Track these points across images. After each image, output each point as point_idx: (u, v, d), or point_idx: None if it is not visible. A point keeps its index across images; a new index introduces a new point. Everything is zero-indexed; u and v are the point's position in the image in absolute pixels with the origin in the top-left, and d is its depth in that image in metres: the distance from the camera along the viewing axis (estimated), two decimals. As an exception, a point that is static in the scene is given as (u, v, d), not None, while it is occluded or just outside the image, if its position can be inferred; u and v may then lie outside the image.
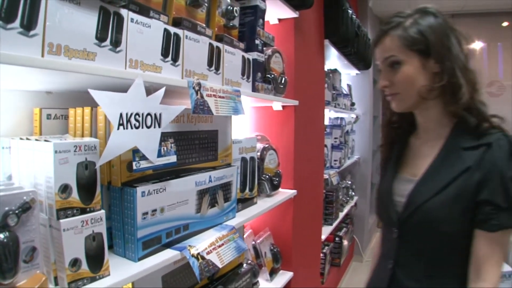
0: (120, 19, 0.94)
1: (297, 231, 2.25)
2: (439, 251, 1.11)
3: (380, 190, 1.31)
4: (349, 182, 4.18)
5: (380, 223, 1.35)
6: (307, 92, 2.37)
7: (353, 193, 4.30)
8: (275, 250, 2.10)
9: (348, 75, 4.49)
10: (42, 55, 0.77)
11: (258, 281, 1.90)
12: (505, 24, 5.48)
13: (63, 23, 0.81)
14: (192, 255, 1.13)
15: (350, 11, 2.88)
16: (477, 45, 5.55)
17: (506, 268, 3.22)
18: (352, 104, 4.14)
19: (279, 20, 2.12)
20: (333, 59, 3.45)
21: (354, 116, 4.43)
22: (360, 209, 4.63)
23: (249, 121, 2.18)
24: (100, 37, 0.89)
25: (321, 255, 2.99)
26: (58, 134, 1.10)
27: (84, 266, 0.88)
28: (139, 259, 1.03)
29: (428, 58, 1.10)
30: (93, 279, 0.90)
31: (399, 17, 1.14)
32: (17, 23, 0.73)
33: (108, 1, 0.90)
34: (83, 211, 0.88)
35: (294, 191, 2.10)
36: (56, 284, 0.88)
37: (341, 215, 3.52)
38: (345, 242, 3.79)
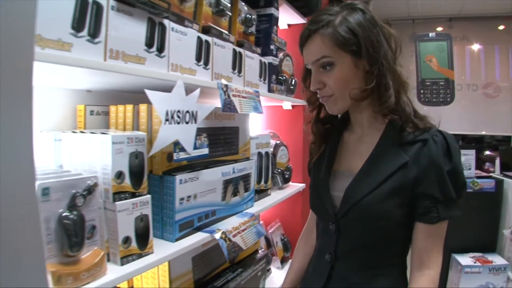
0: (163, 28, 1.08)
1: (305, 222, 2.39)
2: (377, 244, 1.11)
3: (315, 185, 1.27)
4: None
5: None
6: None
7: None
8: (285, 240, 2.24)
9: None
10: (105, 59, 0.91)
11: (270, 268, 2.04)
12: (501, 27, 5.60)
13: (120, 31, 0.95)
14: (221, 237, 1.27)
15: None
16: (474, 47, 5.69)
17: (500, 261, 3.39)
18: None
19: (289, 25, 2.26)
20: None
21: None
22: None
23: (260, 119, 2.32)
24: (148, 44, 1.04)
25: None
26: (100, 129, 1.24)
27: (134, 243, 1.02)
28: (176, 240, 1.17)
29: (360, 57, 1.05)
30: (140, 256, 1.04)
31: (328, 15, 1.07)
32: (85, 32, 0.87)
33: (154, 12, 1.04)
34: (133, 195, 1.02)
35: (303, 184, 2.24)
36: (109, 259, 1.01)
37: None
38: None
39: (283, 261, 2.22)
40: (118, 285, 0.98)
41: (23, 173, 0.56)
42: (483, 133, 5.38)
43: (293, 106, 2.24)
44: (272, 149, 1.94)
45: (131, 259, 1.01)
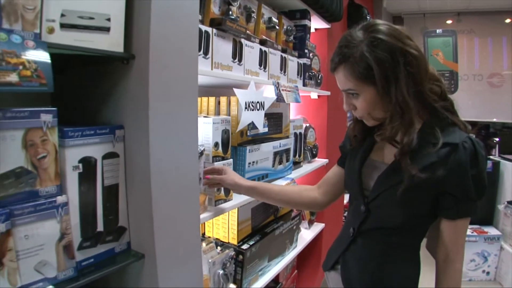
0: (241, 45, 1.61)
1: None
2: (396, 228, 1.22)
3: (352, 170, 1.37)
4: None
5: None
6: (335, 85, 3.02)
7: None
8: (311, 204, 2.77)
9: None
10: (211, 69, 1.44)
11: (300, 228, 2.57)
12: (508, 21, 5.96)
13: (219, 49, 1.47)
14: (274, 191, 1.81)
15: (368, 17, 3.50)
16: (482, 39, 6.05)
17: (494, 232, 3.87)
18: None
19: (316, 29, 2.76)
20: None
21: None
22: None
23: (293, 106, 2.83)
24: (233, 56, 1.56)
25: (343, 217, 3.66)
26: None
27: (222, 192, 1.54)
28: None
29: (380, 88, 1.13)
30: (225, 200, 1.56)
31: (348, 46, 1.14)
32: (202, 52, 1.39)
33: (236, 35, 1.56)
34: (223, 158, 1.55)
35: (327, 160, 2.76)
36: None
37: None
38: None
39: (310, 223, 2.75)
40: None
41: (193, 142, 1.10)
42: (494, 120, 5.80)
43: (319, 96, 2.75)
44: (303, 131, 2.46)
45: (221, 202, 1.54)
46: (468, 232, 3.84)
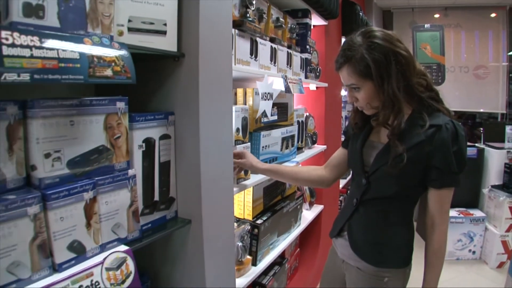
0: (256, 43, 1.81)
1: (325, 176, 3.15)
2: (392, 197, 1.43)
3: (354, 149, 1.56)
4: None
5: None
6: (332, 76, 3.22)
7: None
8: (312, 188, 2.99)
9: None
10: (235, 64, 1.63)
11: (302, 209, 2.78)
12: (493, 15, 6.20)
13: (240, 47, 1.67)
14: (283, 172, 2.02)
15: (360, 13, 3.71)
16: (469, 33, 6.30)
17: (479, 214, 4.13)
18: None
19: (314, 26, 2.96)
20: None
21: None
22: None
23: (294, 96, 3.03)
24: (251, 53, 1.76)
25: (338, 201, 3.89)
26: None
27: (242, 172, 1.74)
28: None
29: (381, 82, 1.33)
30: (244, 179, 1.75)
31: (350, 49, 1.34)
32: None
33: (253, 34, 1.76)
34: (243, 142, 1.75)
35: (325, 146, 2.98)
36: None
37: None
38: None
39: (310, 204, 2.97)
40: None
41: (229, 125, 1.30)
42: (481, 110, 6.07)
43: (317, 87, 2.97)
44: (304, 119, 2.66)
45: (241, 180, 1.74)
46: (455, 214, 4.09)
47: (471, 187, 4.33)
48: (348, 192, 1.71)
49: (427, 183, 1.39)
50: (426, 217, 1.44)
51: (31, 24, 0.77)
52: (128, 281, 0.99)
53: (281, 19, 2.12)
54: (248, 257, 1.92)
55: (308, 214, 2.87)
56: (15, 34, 0.70)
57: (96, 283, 0.91)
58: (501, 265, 3.89)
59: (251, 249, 1.95)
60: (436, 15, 6.18)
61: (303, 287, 2.88)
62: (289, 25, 2.30)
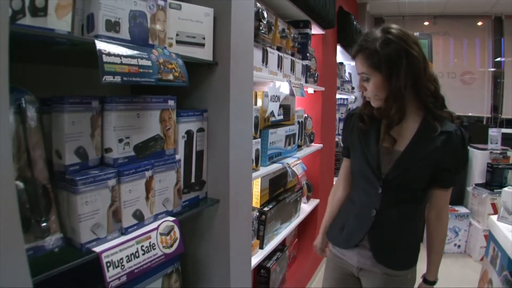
0: (267, 52, 2.06)
1: (321, 172, 3.41)
2: (410, 201, 1.49)
3: (368, 157, 1.53)
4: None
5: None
6: (328, 81, 3.49)
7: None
8: (309, 183, 3.25)
9: (349, 65, 5.57)
10: (247, 70, 1.89)
11: (301, 201, 3.04)
12: (479, 23, 6.51)
13: (254, 55, 1.89)
14: (287, 166, 2.27)
15: (355, 23, 3.98)
16: (457, 40, 6.61)
17: (464, 210, 4.40)
18: (352, 88, 5.25)
19: (313, 35, 3.22)
20: (339, 54, 4.55)
21: (354, 97, 5.48)
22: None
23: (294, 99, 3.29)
24: (263, 61, 2.01)
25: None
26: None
27: (253, 163, 1.99)
28: (267, 165, 2.16)
29: (390, 75, 1.37)
30: (255, 170, 2.00)
31: (366, 41, 1.39)
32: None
33: (264, 44, 2.01)
34: (254, 138, 1.99)
35: (321, 145, 3.25)
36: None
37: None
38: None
39: (308, 198, 3.23)
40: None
41: (250, 122, 1.55)
42: (470, 114, 6.38)
43: (315, 91, 3.23)
44: (303, 119, 2.92)
45: (253, 171, 1.98)
46: (441, 210, 4.36)
47: (456, 186, 4.53)
48: (354, 199, 1.65)
49: (436, 183, 1.47)
50: (430, 212, 1.52)
51: (111, 37, 1.01)
52: (175, 245, 1.23)
53: (286, 30, 2.37)
54: (256, 240, 2.17)
55: (306, 207, 3.12)
56: (110, 46, 0.94)
57: (153, 245, 1.15)
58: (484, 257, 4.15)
59: (259, 234, 2.20)
60: (426, 23, 6.51)
61: (301, 274, 3.13)
62: (292, 35, 2.55)
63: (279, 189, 2.56)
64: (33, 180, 0.89)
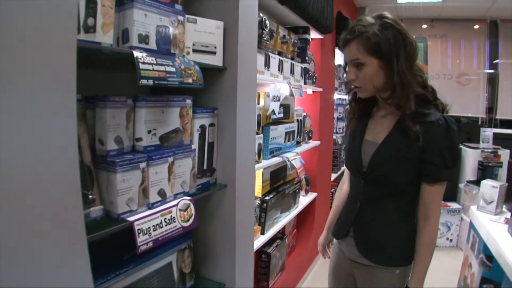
0: (269, 57, 2.30)
1: (319, 167, 3.65)
2: (393, 195, 1.47)
3: (351, 149, 1.59)
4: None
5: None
6: (326, 82, 3.74)
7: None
8: (307, 177, 3.49)
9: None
10: (251, 73, 2.13)
11: (299, 193, 3.28)
12: (476, 27, 6.74)
13: (258, 61, 2.15)
14: (287, 160, 2.52)
15: (352, 27, 4.22)
16: (454, 43, 6.85)
17: (456, 206, 4.62)
18: (350, 89, 5.51)
19: (312, 39, 3.46)
20: (338, 57, 4.80)
21: (351, 98, 5.78)
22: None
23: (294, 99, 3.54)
24: (265, 65, 2.26)
25: (330, 193, 4.39)
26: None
27: (256, 156, 2.23)
28: (269, 158, 2.40)
29: (383, 63, 1.36)
30: (257, 162, 2.25)
31: (362, 26, 1.36)
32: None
33: (266, 50, 2.26)
34: (257, 134, 2.23)
35: (319, 142, 3.49)
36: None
37: (343, 168, 4.93)
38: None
39: (306, 191, 3.47)
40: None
41: (254, 117, 1.80)
42: (469, 114, 6.58)
43: (313, 91, 3.48)
44: (302, 118, 3.16)
45: (256, 163, 2.22)
46: (433, 206, 4.57)
47: (449, 183, 4.74)
48: (349, 194, 1.72)
49: (422, 178, 1.42)
50: (419, 209, 1.47)
51: (142, 48, 1.25)
52: (191, 220, 1.47)
53: (286, 36, 2.62)
54: (258, 226, 2.41)
55: (304, 199, 3.36)
56: (144, 55, 1.19)
57: (173, 218, 1.39)
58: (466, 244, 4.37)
59: (260, 220, 2.44)
60: (424, 26, 6.76)
61: (300, 264, 3.38)
62: (292, 40, 2.80)
63: (279, 181, 2.81)
64: (81, 162, 1.13)
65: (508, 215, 2.47)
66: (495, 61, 6.60)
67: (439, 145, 1.35)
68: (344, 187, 1.82)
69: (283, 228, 2.96)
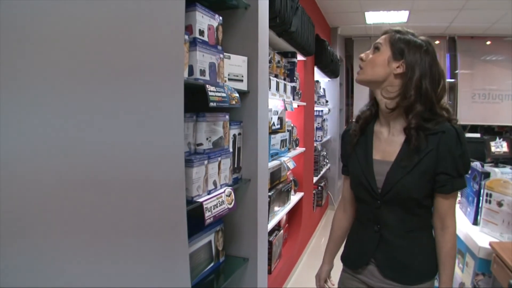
0: (270, 80, 2.87)
1: (304, 170, 4.24)
2: (413, 212, 1.40)
3: (361, 170, 1.49)
4: (325, 153, 6.14)
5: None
6: (308, 97, 4.34)
7: (327, 161, 6.25)
8: (295, 179, 4.06)
9: (323, 82, 6.42)
10: (259, 93, 2.70)
11: (291, 192, 3.84)
12: (437, 42, 7.43)
13: (271, 86, 2.72)
14: (284, 162, 3.09)
15: (329, 48, 4.86)
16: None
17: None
18: (326, 101, 6.09)
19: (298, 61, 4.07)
20: (316, 74, 5.42)
21: (328, 109, 6.32)
22: (332, 172, 6.65)
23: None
24: (274, 88, 2.82)
25: (312, 194, 4.98)
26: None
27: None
28: (270, 161, 2.95)
29: (396, 60, 1.38)
30: None
31: (407, 33, 1.43)
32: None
33: (270, 74, 2.83)
34: (262, 141, 2.79)
35: (304, 148, 4.07)
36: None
37: (322, 172, 5.55)
38: (324, 193, 5.81)
39: (295, 191, 4.04)
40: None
41: (266, 127, 2.36)
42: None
43: (298, 105, 4.07)
44: (291, 128, 3.73)
45: (260, 165, 2.78)
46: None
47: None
48: (360, 221, 1.63)
49: (436, 189, 1.37)
50: (435, 221, 1.43)
51: (201, 79, 1.78)
52: (232, 204, 2.00)
53: (280, 61, 3.20)
54: (264, 216, 2.95)
55: (294, 198, 3.92)
56: (211, 87, 1.73)
57: (223, 201, 1.92)
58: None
59: (266, 212, 2.98)
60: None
61: (291, 254, 3.94)
62: (283, 64, 3.38)
63: (276, 181, 3.37)
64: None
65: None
66: (456, 71, 7.48)
67: (452, 155, 1.33)
68: (345, 216, 1.76)
69: (279, 221, 3.51)
